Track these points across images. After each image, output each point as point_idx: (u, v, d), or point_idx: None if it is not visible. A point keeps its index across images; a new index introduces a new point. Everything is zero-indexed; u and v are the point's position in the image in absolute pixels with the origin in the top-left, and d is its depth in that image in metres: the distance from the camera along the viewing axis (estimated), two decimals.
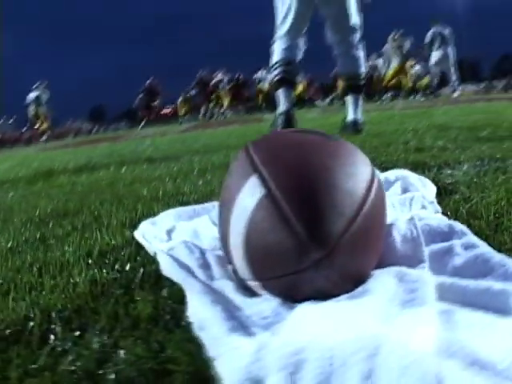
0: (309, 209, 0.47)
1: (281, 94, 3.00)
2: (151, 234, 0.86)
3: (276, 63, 3.00)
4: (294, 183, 0.49)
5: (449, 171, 1.34)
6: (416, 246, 0.62)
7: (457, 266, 0.56)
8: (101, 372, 0.45)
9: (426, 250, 0.61)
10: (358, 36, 2.98)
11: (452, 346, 0.34)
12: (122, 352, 0.48)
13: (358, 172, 0.52)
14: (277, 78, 2.99)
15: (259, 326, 0.45)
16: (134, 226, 1.01)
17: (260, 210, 0.49)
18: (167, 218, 0.97)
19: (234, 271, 0.57)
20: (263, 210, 0.49)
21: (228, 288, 0.55)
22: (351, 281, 0.49)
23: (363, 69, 3.07)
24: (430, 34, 9.52)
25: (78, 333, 0.55)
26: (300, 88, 12.69)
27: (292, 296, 0.49)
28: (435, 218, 0.75)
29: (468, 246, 0.60)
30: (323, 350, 0.34)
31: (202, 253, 0.67)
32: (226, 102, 13.81)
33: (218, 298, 0.51)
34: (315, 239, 0.46)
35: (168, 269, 0.63)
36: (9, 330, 0.57)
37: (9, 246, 0.98)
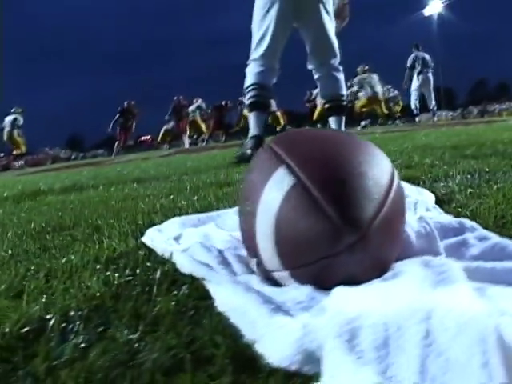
0: (340, 195, 0.48)
1: (252, 118, 2.99)
2: (159, 239, 0.85)
3: (249, 86, 2.99)
4: (323, 172, 0.50)
5: (442, 183, 1.38)
6: (431, 240, 0.64)
7: (474, 255, 0.58)
8: (134, 362, 0.44)
9: (441, 244, 0.63)
10: (337, 59, 3.06)
11: (498, 310, 0.35)
12: (152, 343, 0.48)
13: (380, 162, 0.54)
14: (249, 101, 2.99)
15: (296, 309, 0.45)
16: (138, 236, 1.00)
17: (290, 198, 0.50)
18: (173, 225, 0.97)
19: (259, 264, 0.57)
20: (293, 198, 0.49)
21: (253, 280, 0.55)
22: (380, 267, 0.50)
23: (344, 91, 3.14)
24: (410, 58, 9.78)
25: (101, 328, 0.54)
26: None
27: (322, 283, 0.49)
28: (444, 216, 0.77)
29: (481, 238, 0.62)
30: (376, 318, 0.34)
31: (220, 251, 0.67)
32: (204, 129, 13.97)
33: (248, 287, 0.51)
34: (349, 223, 0.47)
35: (188, 266, 0.63)
36: (26, 329, 0.55)
37: (9, 253, 0.95)
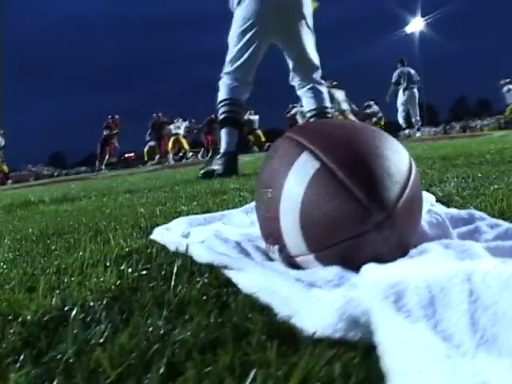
0: (365, 177, 0.49)
1: (224, 134, 2.93)
2: (168, 237, 0.85)
3: (222, 102, 2.93)
4: (347, 155, 0.51)
5: (438, 187, 1.41)
6: (443, 229, 0.66)
7: (489, 239, 0.60)
8: (166, 342, 0.44)
9: (454, 232, 0.65)
10: (319, 73, 3.09)
11: None
12: (181, 326, 0.47)
13: (399, 148, 0.56)
14: (222, 117, 2.94)
15: (327, 287, 0.45)
16: (144, 236, 1.00)
17: (315, 182, 0.51)
18: (180, 224, 0.96)
19: (281, 250, 0.57)
20: (319, 181, 0.51)
21: (277, 265, 0.55)
22: (403, 247, 0.51)
23: (329, 103, 3.14)
24: (396, 73, 9.81)
25: (124, 315, 0.53)
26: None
27: (349, 263, 0.50)
28: (451, 209, 0.79)
29: (493, 225, 0.64)
30: (418, 282, 0.35)
31: (237, 243, 0.68)
32: (186, 146, 14.01)
33: (275, 269, 0.52)
34: (376, 202, 0.48)
35: (207, 256, 0.63)
36: (46, 317, 0.54)
37: (11, 256, 0.93)
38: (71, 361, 0.42)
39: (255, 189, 0.66)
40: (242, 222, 0.93)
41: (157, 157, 13.74)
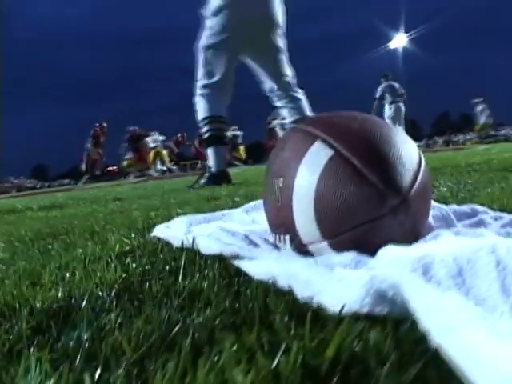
0: (379, 163, 0.50)
1: (212, 153, 2.88)
2: (171, 233, 0.84)
3: (205, 119, 2.86)
4: (360, 143, 0.52)
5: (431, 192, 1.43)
6: (448, 222, 0.67)
7: (495, 230, 0.61)
8: (186, 324, 0.43)
9: (459, 225, 0.66)
10: (294, 81, 3.05)
11: None
12: (197, 312, 0.47)
13: (408, 139, 0.57)
14: (207, 135, 2.88)
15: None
16: (143, 234, 0.99)
17: (330, 169, 0.51)
18: (180, 223, 0.96)
19: (293, 239, 0.57)
20: (333, 168, 0.51)
21: (291, 252, 0.55)
22: (417, 233, 0.52)
23: (309, 111, 3.08)
24: (380, 88, 9.80)
25: (135, 304, 0.52)
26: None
27: (363, 249, 0.50)
28: (452, 206, 0.80)
29: (497, 218, 0.66)
30: (443, 255, 0.35)
31: (245, 235, 0.67)
32: (166, 158, 13.90)
33: (290, 255, 0.52)
34: (391, 187, 0.49)
35: (216, 247, 0.62)
36: (55, 306, 0.53)
37: (7, 256, 0.91)
38: (88, 345, 0.41)
39: (264, 181, 0.66)
40: (243, 220, 0.93)
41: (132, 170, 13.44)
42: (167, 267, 0.67)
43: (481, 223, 0.65)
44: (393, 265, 0.38)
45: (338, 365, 0.30)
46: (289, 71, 3.02)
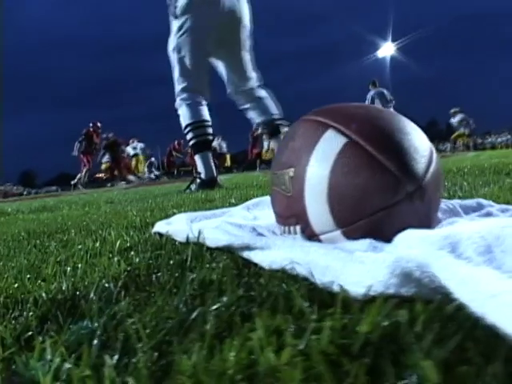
0: (394, 150, 0.50)
1: (200, 160, 2.81)
2: (174, 227, 0.83)
3: (189, 125, 2.79)
4: (373, 131, 0.52)
5: None
6: (456, 214, 0.67)
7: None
8: (201, 310, 0.42)
9: (467, 218, 0.66)
10: (259, 82, 2.97)
11: None
12: (211, 300, 0.45)
13: (417, 128, 0.57)
14: (193, 142, 2.82)
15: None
16: (143, 231, 0.97)
17: (343, 156, 0.51)
18: (181, 220, 0.94)
19: (304, 230, 0.57)
20: (347, 155, 0.51)
21: (305, 241, 0.54)
22: (430, 220, 0.52)
23: (276, 110, 2.99)
24: (369, 95, 9.80)
25: (144, 294, 0.51)
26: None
27: (378, 236, 0.50)
28: (457, 200, 0.80)
29: (503, 210, 0.66)
30: (470, 233, 0.35)
31: (253, 227, 0.66)
32: (141, 168, 13.53)
33: (304, 244, 0.51)
34: (407, 173, 0.48)
35: (225, 238, 0.61)
36: (60, 297, 0.51)
37: (5, 252, 0.88)
38: (101, 332, 0.40)
39: (271, 173, 0.66)
40: (246, 217, 0.92)
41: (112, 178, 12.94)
42: (172, 260, 0.66)
43: (489, 215, 0.65)
44: (417, 245, 0.37)
45: (371, 343, 0.29)
46: (254, 72, 2.97)
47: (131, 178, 12.63)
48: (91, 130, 12.06)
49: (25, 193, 18.32)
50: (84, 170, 12.08)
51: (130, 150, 13.43)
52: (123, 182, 11.79)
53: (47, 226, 1.37)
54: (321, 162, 0.52)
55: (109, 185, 12.22)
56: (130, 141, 13.73)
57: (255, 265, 0.57)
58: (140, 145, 13.86)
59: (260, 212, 0.94)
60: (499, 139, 18.88)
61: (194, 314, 0.39)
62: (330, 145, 0.52)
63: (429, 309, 0.32)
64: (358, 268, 0.39)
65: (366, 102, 9.81)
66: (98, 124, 12.30)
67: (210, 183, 2.84)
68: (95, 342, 0.36)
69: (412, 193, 0.48)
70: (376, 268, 0.37)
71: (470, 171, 2.33)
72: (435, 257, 0.32)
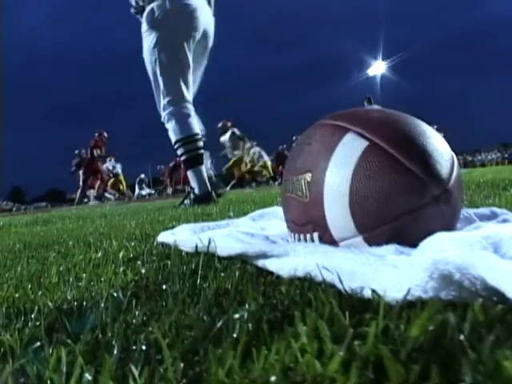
0: (418, 152, 0.49)
1: (194, 175, 2.75)
2: (181, 236, 0.80)
3: (180, 141, 2.71)
4: (395, 134, 0.51)
5: None
6: (471, 222, 0.65)
7: None
8: (226, 318, 0.39)
9: (473, 226, 0.64)
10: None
11: None
12: (233, 309, 0.43)
13: (437, 133, 0.56)
14: (185, 157, 2.75)
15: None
16: (144, 243, 0.94)
17: (366, 159, 0.49)
18: (184, 231, 0.92)
19: (321, 237, 0.55)
20: (370, 158, 0.49)
21: (326, 247, 0.52)
22: (454, 224, 0.50)
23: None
24: None
25: (160, 303, 0.48)
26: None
27: (402, 241, 0.48)
28: (470, 209, 0.79)
29: None
30: (510, 234, 0.33)
31: (266, 236, 0.64)
32: (122, 187, 13.06)
33: (326, 249, 0.49)
34: (433, 176, 0.47)
35: (238, 246, 0.59)
36: (66, 306, 0.48)
37: (3, 264, 0.85)
38: (114, 342, 0.37)
39: (284, 180, 0.64)
40: (252, 227, 0.89)
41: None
42: (182, 270, 0.63)
43: (506, 222, 0.63)
44: (452, 247, 0.35)
45: (419, 349, 0.27)
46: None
47: (108, 195, 12.17)
48: (98, 140, 11.14)
49: (14, 208, 18.09)
50: (81, 189, 11.44)
51: (109, 167, 12.90)
52: (95, 201, 11.20)
53: (43, 238, 1.33)
54: (341, 165, 0.51)
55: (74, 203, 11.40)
56: (108, 158, 13.14)
57: (271, 273, 0.55)
58: (119, 165, 13.23)
59: (266, 223, 0.92)
60: (489, 157, 19.19)
61: (220, 323, 0.37)
62: (350, 148, 0.51)
63: (474, 312, 0.31)
64: (391, 272, 0.37)
65: None
66: (105, 133, 11.35)
67: (204, 198, 2.80)
68: (114, 351, 0.33)
69: (438, 196, 0.47)
70: (412, 272, 0.35)
71: (467, 186, 2.35)
72: (478, 257, 0.31)
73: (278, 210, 1.06)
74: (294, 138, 12.17)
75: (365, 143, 0.50)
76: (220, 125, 10.82)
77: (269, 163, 11.84)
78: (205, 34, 2.81)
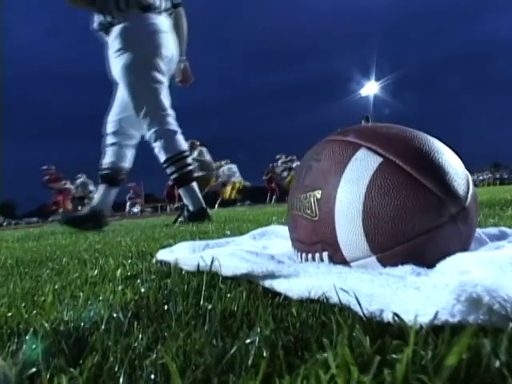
0: (434, 170, 0.47)
1: (183, 194, 2.72)
2: (182, 254, 0.78)
3: (165, 163, 2.67)
4: (409, 150, 0.49)
5: None
6: (482, 242, 0.64)
7: None
8: (235, 343, 0.37)
9: (493, 246, 0.63)
10: None
11: None
12: (244, 333, 0.40)
13: (451, 151, 0.54)
14: (176, 175, 2.71)
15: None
16: (141, 261, 0.91)
17: (380, 176, 0.48)
18: (183, 248, 0.89)
19: (331, 257, 0.53)
20: (384, 175, 0.48)
21: (339, 267, 0.50)
22: (469, 244, 0.49)
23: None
24: None
25: (164, 325, 0.45)
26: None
27: (417, 262, 0.46)
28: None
29: None
30: None
31: (271, 255, 0.62)
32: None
33: (341, 270, 0.47)
34: (450, 194, 0.45)
35: (243, 265, 0.57)
36: (63, 328, 0.45)
37: None
38: (117, 368, 0.34)
39: (291, 197, 0.62)
40: (254, 246, 0.87)
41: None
42: (183, 289, 0.61)
43: None
44: (477, 268, 0.34)
45: (455, 377, 0.25)
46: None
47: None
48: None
49: (5, 223, 17.84)
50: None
51: (74, 188, 12.45)
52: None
53: (35, 253, 1.29)
54: (353, 182, 0.49)
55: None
56: (78, 176, 12.90)
57: (278, 294, 0.52)
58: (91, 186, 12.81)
59: (268, 241, 0.90)
60: (481, 177, 19.39)
61: (234, 349, 0.34)
62: (363, 164, 0.49)
63: (509, 336, 0.29)
64: (412, 294, 0.35)
65: None
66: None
67: (199, 215, 2.77)
68: (121, 380, 0.30)
69: (455, 215, 0.45)
70: (437, 294, 0.33)
71: None
72: (509, 279, 0.29)
73: (279, 229, 1.04)
74: (277, 157, 12.10)
75: (379, 159, 0.49)
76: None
77: (239, 183, 11.66)
78: (171, 58, 2.81)
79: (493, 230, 0.71)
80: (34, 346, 0.40)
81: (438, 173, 0.47)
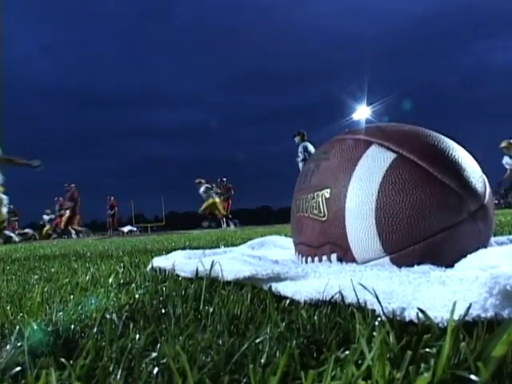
0: (452, 167, 0.45)
1: None
2: (179, 260, 0.74)
3: None
4: (425, 147, 0.47)
5: None
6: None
7: None
8: (243, 344, 0.34)
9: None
10: None
11: None
12: (250, 334, 0.37)
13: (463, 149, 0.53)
14: None
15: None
16: (135, 269, 0.87)
17: (395, 172, 0.46)
18: (179, 256, 0.86)
19: (341, 258, 0.50)
20: (399, 171, 0.46)
21: (351, 266, 0.47)
22: (487, 244, 0.46)
23: None
24: None
25: (162, 326, 0.42)
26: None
27: (432, 261, 0.43)
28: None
29: None
30: None
31: (275, 260, 0.59)
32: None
33: (354, 270, 0.44)
34: (470, 191, 0.43)
35: (247, 268, 0.53)
36: (52, 329, 0.42)
37: None
38: (112, 368, 0.31)
39: (295, 199, 0.60)
40: (252, 255, 0.84)
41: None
42: (181, 294, 0.57)
43: None
44: (506, 262, 0.31)
45: (499, 374, 0.22)
46: None
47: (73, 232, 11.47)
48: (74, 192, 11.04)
49: None
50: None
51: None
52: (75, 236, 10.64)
53: (24, 261, 1.24)
54: (365, 179, 0.47)
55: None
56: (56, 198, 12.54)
57: (284, 298, 0.49)
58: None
59: (267, 251, 0.87)
60: None
61: (244, 347, 0.31)
62: (375, 161, 0.47)
63: None
64: (437, 290, 0.32)
65: None
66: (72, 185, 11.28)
67: None
68: (119, 375, 0.27)
69: (475, 212, 0.43)
70: (466, 288, 0.30)
71: None
72: None
73: (278, 239, 1.01)
74: (218, 180, 11.60)
75: (392, 155, 0.47)
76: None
77: (216, 201, 11.34)
78: None
79: (502, 239, 0.69)
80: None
81: (455, 169, 0.45)
